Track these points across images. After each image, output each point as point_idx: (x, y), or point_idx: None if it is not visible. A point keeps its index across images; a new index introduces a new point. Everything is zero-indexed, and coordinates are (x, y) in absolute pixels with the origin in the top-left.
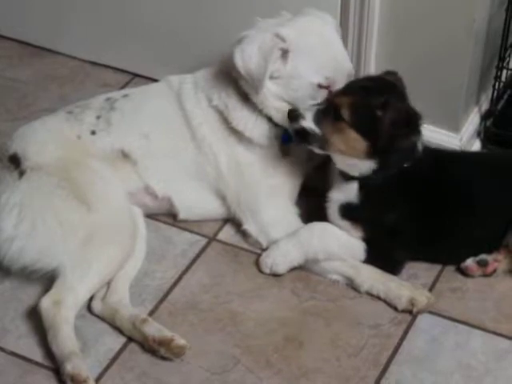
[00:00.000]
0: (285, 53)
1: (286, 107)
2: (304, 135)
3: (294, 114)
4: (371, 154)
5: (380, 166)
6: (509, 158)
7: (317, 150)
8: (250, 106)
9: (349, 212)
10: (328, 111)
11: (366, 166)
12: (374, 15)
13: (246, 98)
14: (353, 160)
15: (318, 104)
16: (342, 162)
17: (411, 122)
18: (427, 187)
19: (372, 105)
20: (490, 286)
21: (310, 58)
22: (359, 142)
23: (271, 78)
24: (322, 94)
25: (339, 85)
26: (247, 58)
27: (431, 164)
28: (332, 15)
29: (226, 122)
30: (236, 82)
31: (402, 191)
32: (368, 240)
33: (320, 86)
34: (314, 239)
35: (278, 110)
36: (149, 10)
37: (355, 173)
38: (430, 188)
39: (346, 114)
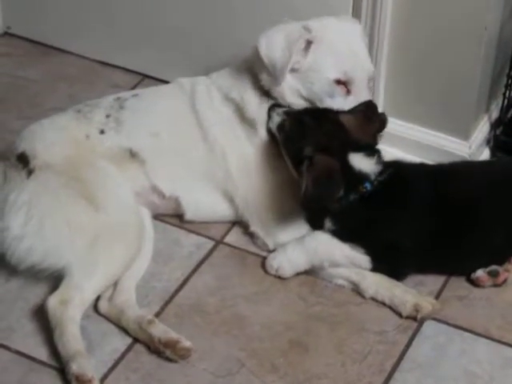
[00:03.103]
0: (308, 44)
1: (303, 105)
2: (271, 133)
3: (269, 112)
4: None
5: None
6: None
7: None
8: (267, 101)
9: (339, 236)
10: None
11: None
12: (385, 23)
13: (263, 93)
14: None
15: (288, 113)
16: None
17: (333, 180)
18: (429, 203)
19: (302, 147)
20: (497, 294)
21: (330, 52)
22: (291, 167)
23: (291, 70)
24: (340, 92)
25: (359, 85)
26: (272, 46)
27: (431, 179)
28: None
29: (239, 117)
30: (255, 77)
31: (398, 209)
32: (371, 254)
33: (338, 82)
34: (319, 249)
35: (295, 106)
36: (160, 12)
37: None
38: (433, 203)
39: (281, 136)
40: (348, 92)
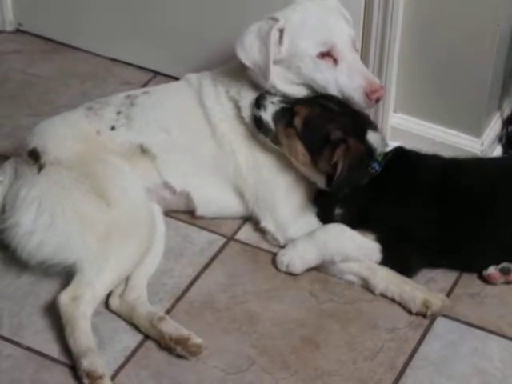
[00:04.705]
0: (281, 33)
1: (301, 90)
2: (260, 124)
3: (258, 102)
4: (314, 169)
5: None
6: None
7: (269, 143)
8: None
9: (348, 221)
10: (288, 113)
11: (316, 179)
12: (397, 19)
13: (258, 88)
14: (302, 169)
15: (286, 102)
16: (296, 166)
17: (363, 162)
18: (437, 193)
19: (328, 132)
20: (509, 291)
21: (302, 31)
22: (303, 155)
23: (275, 62)
24: (327, 65)
25: (343, 49)
26: (248, 49)
27: (441, 171)
28: (355, 16)
29: (238, 114)
30: (250, 74)
31: (405, 197)
32: (382, 241)
33: (322, 56)
34: (330, 242)
35: (295, 94)
36: (171, 9)
37: (318, 184)
38: (443, 195)
39: (298, 124)
40: (335, 61)
